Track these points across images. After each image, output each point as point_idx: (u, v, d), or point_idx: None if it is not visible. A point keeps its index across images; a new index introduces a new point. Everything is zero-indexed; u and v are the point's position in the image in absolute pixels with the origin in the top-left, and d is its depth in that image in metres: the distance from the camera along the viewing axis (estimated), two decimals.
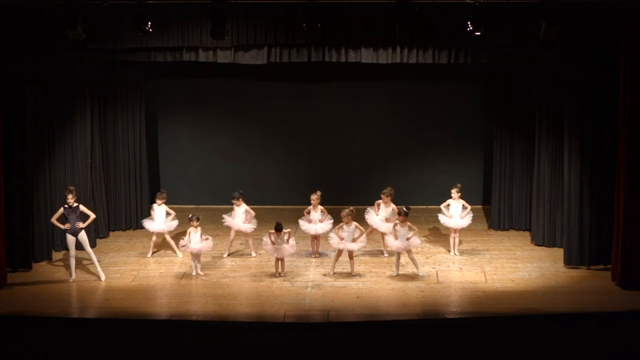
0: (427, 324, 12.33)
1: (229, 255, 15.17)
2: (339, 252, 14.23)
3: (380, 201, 15.04)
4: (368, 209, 15.02)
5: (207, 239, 14.25)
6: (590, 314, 12.53)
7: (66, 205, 13.97)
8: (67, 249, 15.28)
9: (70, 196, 13.96)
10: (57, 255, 15.20)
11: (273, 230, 14.01)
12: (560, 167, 15.03)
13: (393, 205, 14.93)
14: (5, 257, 13.95)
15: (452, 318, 12.59)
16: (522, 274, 14.28)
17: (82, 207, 14.10)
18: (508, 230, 16.65)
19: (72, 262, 14.03)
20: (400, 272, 14.22)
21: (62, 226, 13.95)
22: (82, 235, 13.99)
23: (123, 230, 16.75)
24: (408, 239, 13.98)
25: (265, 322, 12.48)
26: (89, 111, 15.57)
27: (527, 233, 16.32)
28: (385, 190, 14.96)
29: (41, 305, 12.96)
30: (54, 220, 14.09)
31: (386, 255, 15.10)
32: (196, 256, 14.25)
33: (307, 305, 13.01)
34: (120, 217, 16.77)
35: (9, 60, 14.02)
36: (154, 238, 15.26)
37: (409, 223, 14.06)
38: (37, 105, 14.68)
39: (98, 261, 14.25)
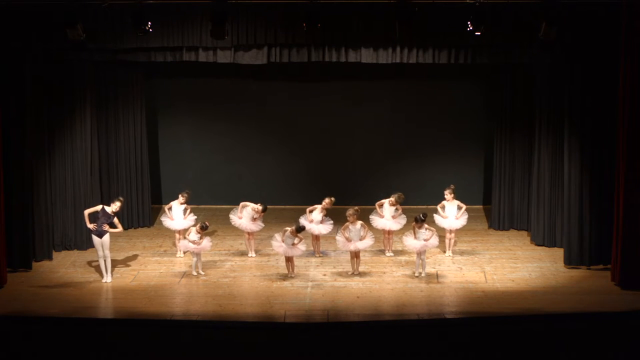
0: (427, 324, 12.33)
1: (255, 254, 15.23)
2: (352, 253, 14.24)
3: (382, 201, 15.06)
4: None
5: (205, 238, 14.26)
6: (590, 314, 12.54)
7: (106, 209, 13.97)
8: (65, 248, 15.38)
9: (119, 204, 14.01)
10: (57, 255, 15.20)
11: (288, 229, 14.02)
12: (560, 167, 15.03)
13: (397, 204, 15.01)
14: (5, 257, 13.95)
15: (452, 318, 12.59)
16: (522, 274, 14.28)
17: (115, 220, 14.10)
18: (508, 230, 16.65)
19: (102, 262, 13.99)
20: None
21: (89, 224, 13.94)
22: (107, 237, 13.96)
23: (124, 230, 16.70)
24: (426, 239, 13.98)
25: (265, 322, 12.48)
26: (88, 111, 15.55)
27: (527, 233, 16.32)
28: (396, 197, 14.97)
29: (41, 305, 12.97)
30: (87, 213, 14.06)
31: (390, 254, 15.12)
32: (197, 255, 14.26)
33: (307, 305, 13.01)
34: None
35: (9, 60, 14.02)
36: (177, 237, 15.17)
37: (425, 225, 14.05)
38: (37, 105, 14.68)
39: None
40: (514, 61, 15.24)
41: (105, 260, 13.95)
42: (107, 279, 13.97)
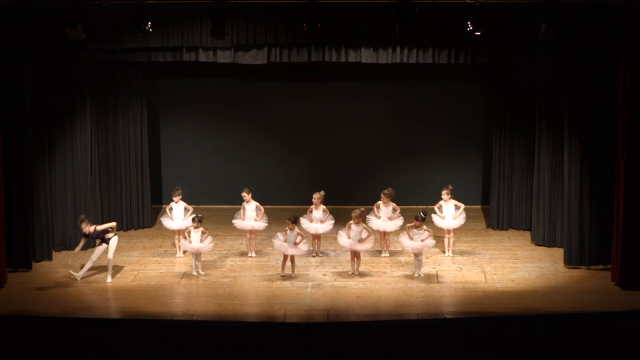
0: (427, 324, 12.34)
1: (255, 254, 15.21)
2: (352, 254, 14.24)
3: (379, 202, 15.06)
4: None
5: (207, 238, 14.26)
6: (590, 314, 12.54)
7: (85, 234, 13.98)
8: (65, 248, 15.40)
9: (83, 225, 13.97)
10: (57, 255, 15.19)
11: (287, 228, 14.03)
12: (560, 167, 15.03)
13: (393, 204, 14.97)
14: (5, 257, 13.95)
15: (452, 318, 12.59)
16: (522, 274, 14.28)
17: (99, 228, 14.06)
18: (508, 230, 16.65)
19: (110, 265, 14.04)
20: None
21: (81, 245, 14.05)
22: (113, 241, 14.01)
23: (124, 230, 16.72)
24: (422, 240, 13.96)
25: (265, 322, 12.48)
26: (88, 111, 15.55)
27: (527, 233, 16.32)
28: (385, 191, 15.00)
29: (41, 305, 12.97)
30: (78, 250, 14.14)
31: (386, 255, 15.11)
32: (196, 255, 14.26)
33: (307, 305, 13.01)
34: (121, 217, 16.72)
35: (9, 60, 14.02)
36: (177, 237, 15.16)
37: (424, 226, 14.03)
38: (37, 105, 14.69)
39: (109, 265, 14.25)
40: (514, 61, 15.24)
41: (108, 263, 13.99)
42: (107, 279, 13.98)
